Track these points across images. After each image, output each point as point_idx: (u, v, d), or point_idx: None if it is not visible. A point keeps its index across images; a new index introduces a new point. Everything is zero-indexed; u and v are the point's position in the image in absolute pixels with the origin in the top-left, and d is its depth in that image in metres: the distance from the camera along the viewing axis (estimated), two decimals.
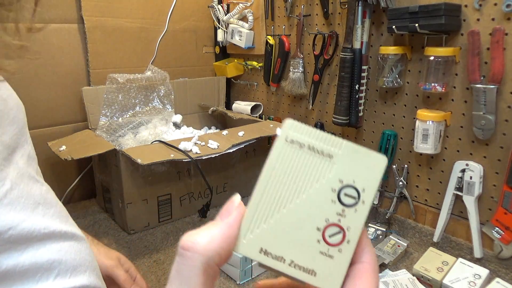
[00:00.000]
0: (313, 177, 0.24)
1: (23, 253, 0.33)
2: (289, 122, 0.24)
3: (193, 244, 0.21)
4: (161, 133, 1.34)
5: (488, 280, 0.83)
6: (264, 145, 1.41)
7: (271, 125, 1.30)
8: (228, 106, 1.66)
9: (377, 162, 0.24)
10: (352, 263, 0.23)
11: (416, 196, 1.08)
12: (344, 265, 0.23)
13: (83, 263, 0.39)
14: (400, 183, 1.08)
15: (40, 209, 0.36)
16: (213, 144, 1.12)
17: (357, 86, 1.09)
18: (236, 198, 0.24)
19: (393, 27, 0.94)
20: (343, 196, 0.23)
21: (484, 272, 0.84)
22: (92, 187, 1.31)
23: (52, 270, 0.35)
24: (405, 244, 0.99)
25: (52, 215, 0.37)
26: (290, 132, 0.24)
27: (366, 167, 0.24)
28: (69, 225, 0.39)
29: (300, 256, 0.23)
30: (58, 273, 0.36)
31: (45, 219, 0.36)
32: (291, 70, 1.32)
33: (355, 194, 0.23)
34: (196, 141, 1.14)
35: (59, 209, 0.39)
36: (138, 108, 1.37)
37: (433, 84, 0.93)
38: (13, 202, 0.33)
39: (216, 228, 0.22)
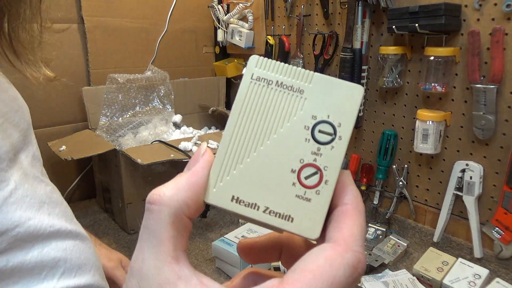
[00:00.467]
0: (284, 115, 0.21)
1: (30, 251, 0.33)
2: (253, 58, 0.22)
3: (159, 196, 0.20)
4: (161, 133, 1.34)
5: (488, 280, 0.83)
6: None
7: None
8: (228, 106, 1.66)
9: (353, 92, 0.21)
10: (333, 207, 0.21)
11: (416, 196, 1.08)
12: (323, 208, 0.21)
13: (87, 262, 0.39)
14: (400, 183, 1.08)
15: (45, 208, 0.36)
16: (213, 144, 1.12)
17: None
18: (203, 145, 0.23)
19: (393, 27, 0.94)
20: (318, 133, 0.21)
21: (484, 272, 0.84)
22: (92, 187, 1.31)
23: (58, 269, 0.35)
24: (405, 244, 0.99)
25: (57, 214, 0.37)
26: (256, 69, 0.22)
27: (340, 99, 0.21)
28: (74, 224, 0.39)
29: (274, 201, 0.21)
30: (63, 271, 0.36)
31: (50, 217, 0.36)
32: None
33: (330, 130, 0.21)
34: (196, 141, 1.14)
35: (64, 208, 0.39)
36: (138, 108, 1.37)
37: (433, 84, 0.93)
38: (19, 201, 0.33)
39: (182, 178, 0.21)
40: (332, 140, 0.21)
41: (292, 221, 0.21)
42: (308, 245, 0.22)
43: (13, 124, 0.36)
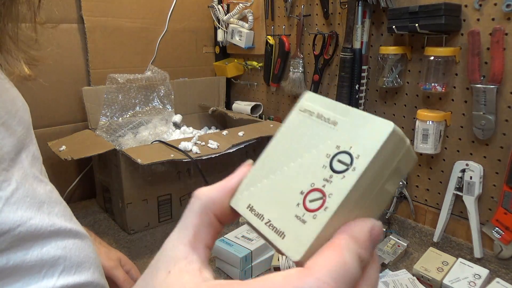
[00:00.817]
0: (314, 142, 0.23)
1: (30, 250, 0.34)
2: (307, 94, 0.25)
3: (198, 192, 0.24)
4: (161, 133, 1.34)
5: (488, 280, 0.83)
6: (264, 145, 1.40)
7: (271, 125, 1.30)
8: (228, 106, 1.66)
9: (381, 128, 0.21)
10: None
11: (416, 196, 1.08)
12: (313, 233, 0.20)
13: (87, 260, 0.39)
14: (400, 183, 1.08)
15: (45, 207, 0.37)
16: (213, 144, 1.12)
17: (357, 86, 1.09)
18: (248, 161, 0.26)
19: (393, 27, 0.94)
20: (335, 162, 0.21)
21: (484, 272, 0.84)
22: (92, 187, 1.31)
23: (57, 267, 0.36)
24: (405, 244, 0.99)
25: (57, 213, 0.38)
26: (306, 102, 0.24)
27: (367, 133, 0.21)
28: (73, 223, 0.40)
29: (277, 217, 0.22)
30: (63, 269, 0.37)
31: (50, 217, 0.36)
32: (291, 70, 1.32)
33: (348, 160, 0.21)
34: (196, 141, 1.14)
35: (63, 208, 0.39)
36: (138, 108, 1.37)
37: (433, 84, 0.93)
38: (20, 201, 0.34)
39: (221, 181, 0.25)
40: (346, 170, 0.21)
41: (283, 238, 0.22)
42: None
43: (14, 124, 0.36)
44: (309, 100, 0.25)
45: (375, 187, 0.21)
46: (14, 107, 0.37)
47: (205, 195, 0.23)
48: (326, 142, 0.22)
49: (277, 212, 0.22)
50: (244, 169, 0.25)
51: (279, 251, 0.22)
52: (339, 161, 0.21)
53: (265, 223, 0.22)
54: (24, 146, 0.37)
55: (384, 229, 1.06)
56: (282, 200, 0.22)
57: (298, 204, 0.22)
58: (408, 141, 0.22)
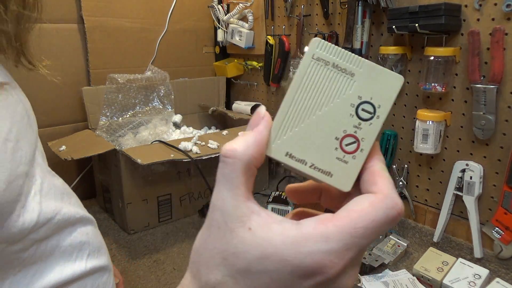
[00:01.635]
0: (336, 92, 0.26)
1: (62, 236, 0.40)
2: (316, 40, 0.27)
3: (233, 152, 0.25)
4: (161, 133, 1.34)
5: (488, 280, 0.83)
6: None
7: None
8: (228, 106, 1.66)
9: (394, 81, 0.26)
10: (363, 168, 0.27)
11: (416, 196, 1.08)
12: (356, 170, 0.26)
13: (102, 245, 0.45)
14: (400, 183, 1.08)
15: (65, 198, 0.41)
16: (213, 144, 1.12)
17: None
18: (261, 109, 0.27)
19: (393, 27, 0.94)
20: (360, 111, 0.26)
21: (484, 272, 0.84)
22: (92, 187, 1.31)
23: (84, 251, 0.42)
24: (405, 244, 0.99)
25: (74, 203, 0.43)
26: (317, 50, 0.26)
27: (383, 85, 0.26)
28: (86, 211, 0.45)
29: (319, 160, 0.27)
30: (89, 253, 0.42)
31: (71, 206, 0.41)
32: (291, 70, 1.32)
33: (371, 109, 0.26)
34: (196, 141, 1.14)
35: (76, 198, 0.45)
36: (138, 108, 1.37)
37: (433, 84, 0.93)
38: (48, 193, 0.38)
39: (250, 136, 0.26)
40: (371, 118, 0.26)
41: (331, 176, 0.27)
42: (341, 192, 0.28)
43: (31, 124, 0.40)
44: (321, 48, 0.27)
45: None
46: (27, 109, 0.40)
47: (245, 155, 0.25)
48: (348, 92, 0.26)
49: (319, 156, 0.27)
50: (267, 119, 0.27)
51: (329, 186, 0.27)
52: (363, 110, 0.26)
53: (310, 167, 0.27)
54: (37, 145, 0.40)
55: None
56: (319, 145, 0.27)
57: (336, 148, 0.26)
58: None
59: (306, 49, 0.27)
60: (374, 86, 0.26)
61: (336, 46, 0.27)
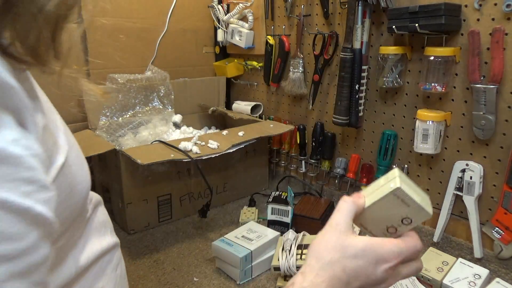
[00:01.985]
0: (397, 211, 0.46)
1: (96, 213, 0.47)
2: (401, 182, 0.45)
3: (350, 201, 0.47)
4: (161, 133, 1.35)
5: (488, 280, 0.83)
6: (264, 145, 1.40)
7: (271, 125, 1.31)
8: (228, 106, 1.66)
9: (425, 215, 0.46)
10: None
11: None
12: (406, 229, 0.48)
13: (112, 225, 0.53)
14: None
15: None
16: (213, 144, 1.12)
17: (357, 86, 1.09)
18: (359, 195, 0.49)
19: (393, 27, 0.94)
20: (404, 220, 0.47)
21: (484, 272, 0.84)
22: (92, 187, 1.30)
23: (107, 228, 0.50)
24: None
25: None
26: (398, 192, 0.45)
27: (419, 214, 0.46)
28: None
29: (375, 230, 0.49)
30: (110, 230, 0.51)
31: None
32: (291, 70, 1.32)
33: (409, 222, 0.47)
34: (196, 141, 1.14)
35: None
36: (138, 108, 1.37)
37: (433, 84, 0.93)
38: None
39: (357, 199, 0.48)
40: (409, 224, 0.47)
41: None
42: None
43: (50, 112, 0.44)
44: (403, 185, 0.45)
45: None
46: (42, 101, 0.42)
47: (354, 203, 0.47)
48: (401, 213, 0.46)
49: (376, 228, 0.49)
50: (363, 199, 0.48)
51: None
52: (406, 220, 0.47)
53: (365, 228, 0.50)
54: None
55: None
56: (379, 226, 0.48)
57: (387, 229, 0.48)
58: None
59: (392, 185, 0.45)
60: (415, 213, 0.46)
61: (407, 193, 0.45)
